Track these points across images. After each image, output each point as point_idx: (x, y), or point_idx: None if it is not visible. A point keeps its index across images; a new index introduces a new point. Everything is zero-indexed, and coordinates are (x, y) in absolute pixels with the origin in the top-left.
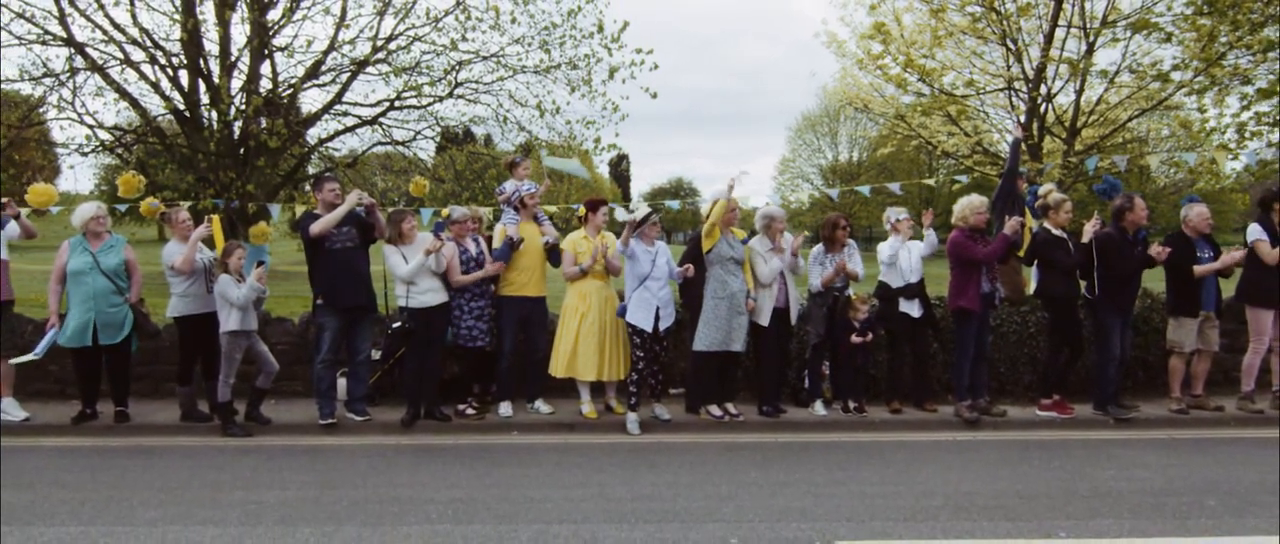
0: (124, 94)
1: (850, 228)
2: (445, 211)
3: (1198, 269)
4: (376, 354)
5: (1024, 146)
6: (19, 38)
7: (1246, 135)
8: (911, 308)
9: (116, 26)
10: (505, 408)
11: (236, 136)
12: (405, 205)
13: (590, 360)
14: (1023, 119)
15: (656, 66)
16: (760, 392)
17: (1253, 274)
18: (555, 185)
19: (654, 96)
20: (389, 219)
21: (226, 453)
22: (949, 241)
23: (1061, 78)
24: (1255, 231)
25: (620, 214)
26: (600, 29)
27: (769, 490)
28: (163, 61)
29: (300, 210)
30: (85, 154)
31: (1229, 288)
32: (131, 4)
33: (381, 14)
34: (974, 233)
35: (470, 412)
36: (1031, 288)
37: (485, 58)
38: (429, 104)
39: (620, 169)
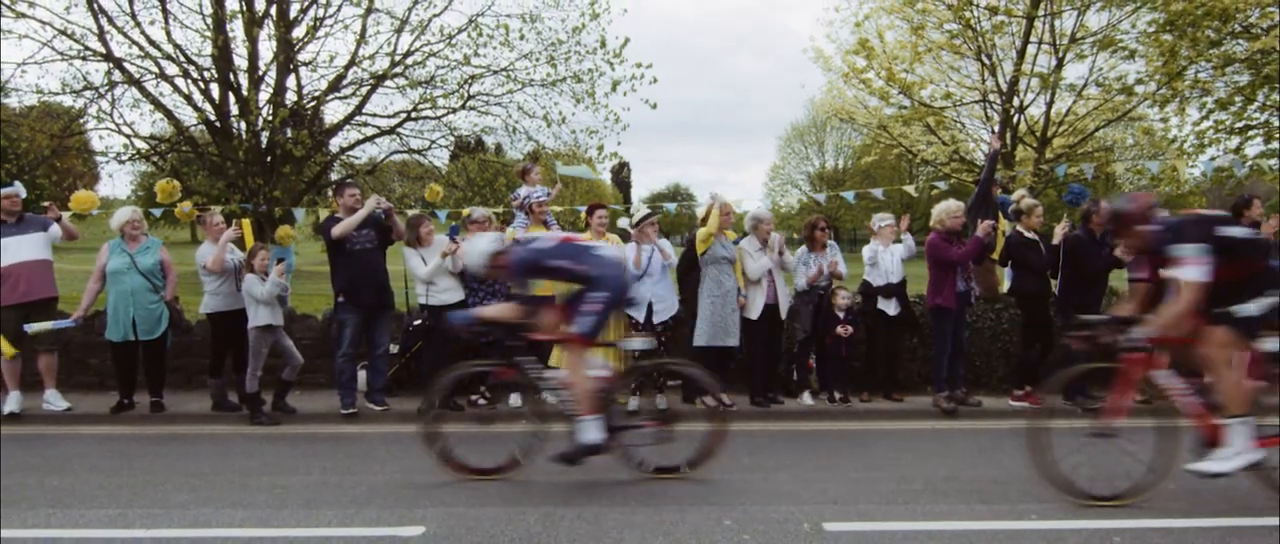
0: (159, 105)
1: (830, 229)
2: (466, 212)
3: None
4: (394, 348)
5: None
6: (61, 53)
7: (1205, 143)
8: (888, 306)
9: (152, 43)
10: (515, 398)
11: (264, 145)
12: (421, 210)
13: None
14: (997, 129)
15: (656, 79)
16: (752, 383)
17: None
18: (564, 190)
19: (654, 107)
20: (408, 224)
21: (254, 440)
22: (927, 243)
23: (1033, 91)
24: None
25: (623, 222)
26: (603, 45)
27: (761, 475)
28: (195, 75)
29: (323, 214)
30: (122, 162)
31: None
32: (166, 22)
33: (399, 31)
34: (950, 235)
35: (482, 402)
36: (1005, 286)
37: (496, 72)
38: (443, 115)
39: (622, 176)
